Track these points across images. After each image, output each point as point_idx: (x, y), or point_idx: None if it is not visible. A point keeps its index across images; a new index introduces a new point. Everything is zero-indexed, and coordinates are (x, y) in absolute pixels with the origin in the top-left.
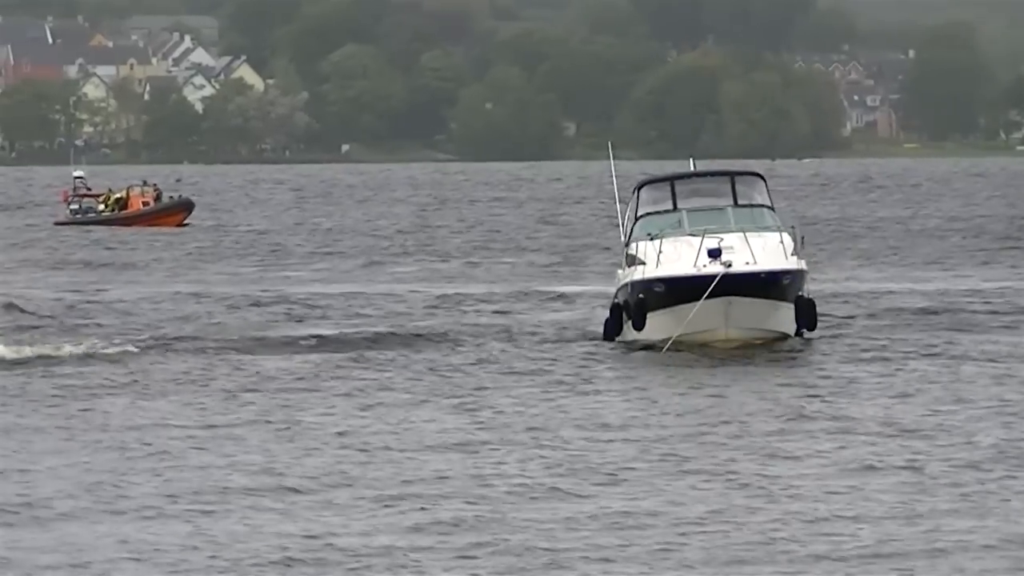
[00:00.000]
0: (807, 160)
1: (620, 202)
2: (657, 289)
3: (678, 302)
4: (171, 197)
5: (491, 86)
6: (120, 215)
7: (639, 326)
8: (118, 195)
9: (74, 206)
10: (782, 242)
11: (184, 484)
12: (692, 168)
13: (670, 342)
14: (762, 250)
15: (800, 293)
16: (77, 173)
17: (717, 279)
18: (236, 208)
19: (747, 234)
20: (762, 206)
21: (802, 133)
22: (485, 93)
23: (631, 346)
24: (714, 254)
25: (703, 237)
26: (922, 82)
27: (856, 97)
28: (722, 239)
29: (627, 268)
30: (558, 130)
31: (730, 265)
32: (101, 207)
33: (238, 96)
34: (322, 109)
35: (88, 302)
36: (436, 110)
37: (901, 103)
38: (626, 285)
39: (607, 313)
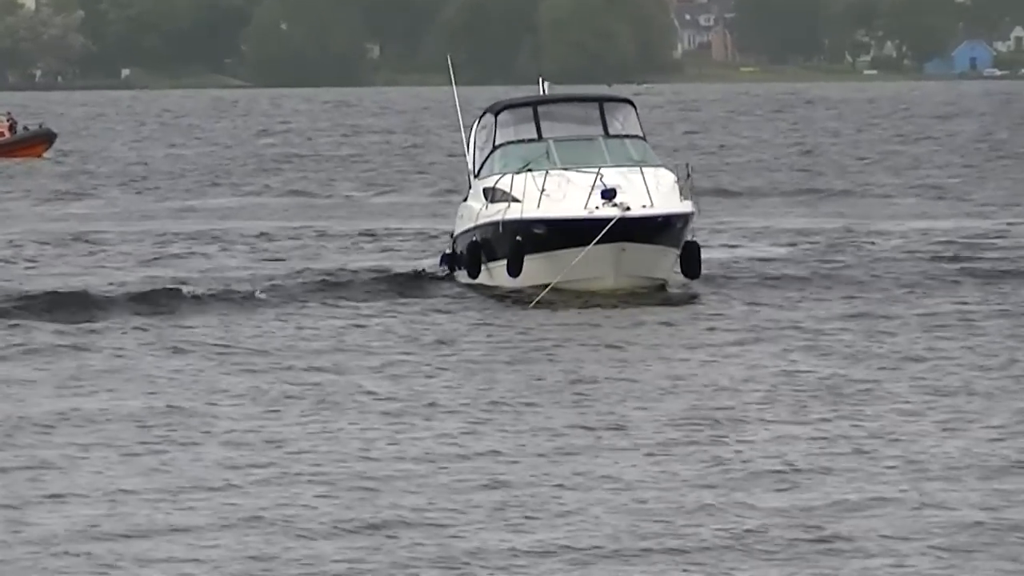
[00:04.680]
0: (645, 85)
1: (464, 127)
2: (537, 231)
3: (562, 246)
4: (26, 128)
5: (287, 4)
6: None
7: (515, 272)
8: None
9: None
10: (677, 181)
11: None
12: (542, 90)
13: (544, 292)
14: (656, 190)
15: (687, 238)
16: None
17: (611, 223)
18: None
19: (643, 171)
20: (635, 136)
21: (628, 56)
22: (280, 11)
23: (495, 291)
24: (608, 195)
25: (598, 175)
26: (760, 0)
27: (688, 16)
28: (601, 174)
29: (488, 204)
30: (361, 53)
31: (628, 208)
32: None
33: (7, 15)
34: (100, 29)
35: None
36: (226, 30)
37: (737, 23)
38: (493, 224)
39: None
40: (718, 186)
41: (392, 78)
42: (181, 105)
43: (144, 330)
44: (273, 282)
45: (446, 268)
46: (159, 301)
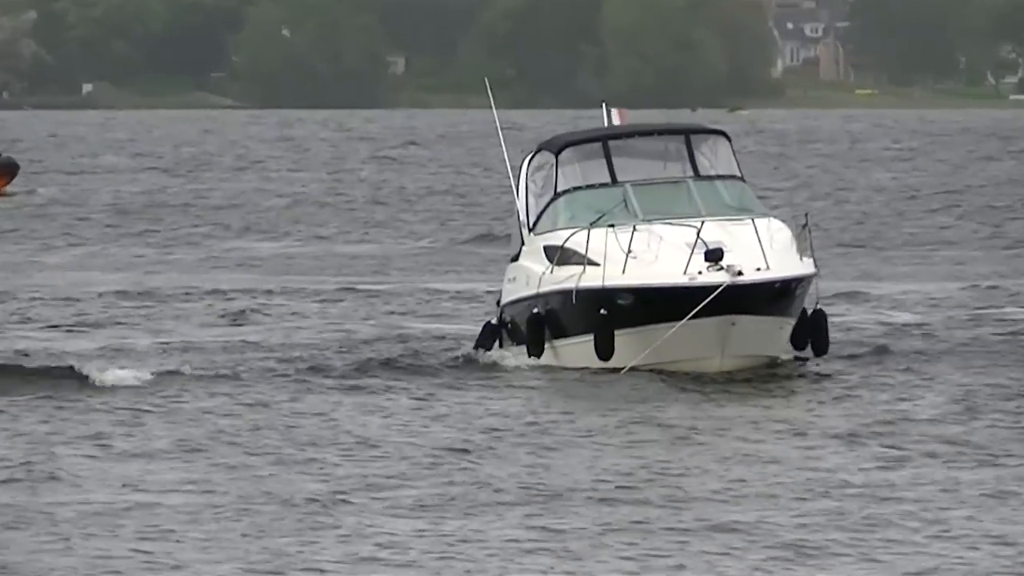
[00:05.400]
0: (745, 112)
1: (512, 167)
2: (622, 301)
3: (655, 321)
4: None
5: (289, 5)
6: None
7: (606, 354)
8: None
9: None
10: (795, 237)
11: None
12: (606, 117)
13: (635, 361)
14: (770, 247)
15: (811, 306)
16: None
17: (718, 291)
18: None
19: (755, 223)
20: (732, 177)
21: (716, 74)
22: (281, 14)
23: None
24: (713, 256)
25: (699, 229)
26: (881, 6)
27: (790, 25)
28: (701, 229)
29: (554, 266)
30: (381, 66)
31: (740, 272)
32: None
33: None
34: (56, 34)
35: None
36: (214, 37)
37: (851, 34)
38: (564, 293)
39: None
40: (841, 238)
41: (420, 98)
42: (168, 129)
43: (136, 412)
44: (293, 355)
45: (483, 348)
46: (166, 377)
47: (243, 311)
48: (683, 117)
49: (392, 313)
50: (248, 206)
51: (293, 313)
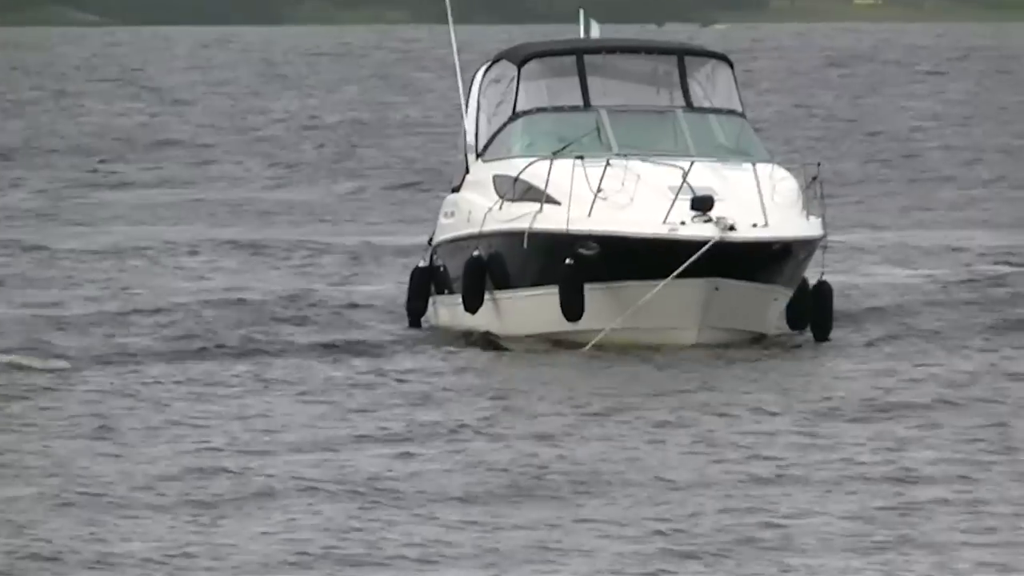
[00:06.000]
0: (721, 26)
1: (463, 81)
2: (585, 251)
3: (623, 277)
4: None
5: None
6: None
7: (574, 314)
8: None
9: None
10: (802, 190)
11: None
12: (584, 30)
13: (602, 334)
14: (771, 199)
15: (806, 273)
16: None
17: (705, 249)
18: None
19: (756, 169)
20: (731, 112)
21: None
22: None
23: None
24: (701, 204)
25: (686, 171)
26: None
27: None
28: (688, 171)
29: (504, 201)
30: None
31: (731, 227)
32: None
33: None
34: None
35: None
36: None
37: None
38: (513, 235)
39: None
40: (847, 182)
41: (323, 12)
42: (20, 52)
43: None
44: (193, 325)
45: (417, 305)
46: (40, 353)
47: (135, 271)
48: (647, 35)
49: (307, 272)
50: (137, 144)
51: (191, 272)
